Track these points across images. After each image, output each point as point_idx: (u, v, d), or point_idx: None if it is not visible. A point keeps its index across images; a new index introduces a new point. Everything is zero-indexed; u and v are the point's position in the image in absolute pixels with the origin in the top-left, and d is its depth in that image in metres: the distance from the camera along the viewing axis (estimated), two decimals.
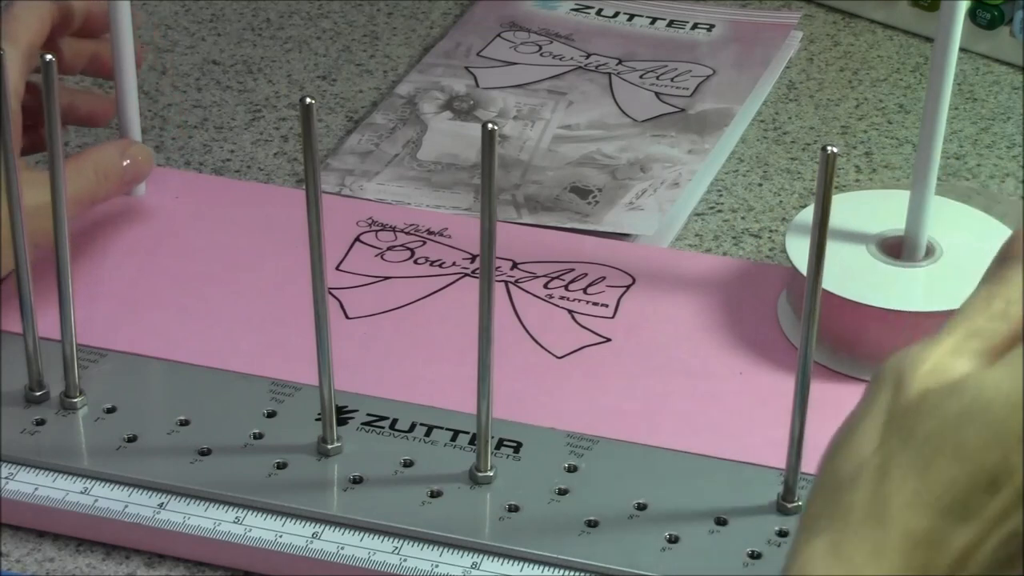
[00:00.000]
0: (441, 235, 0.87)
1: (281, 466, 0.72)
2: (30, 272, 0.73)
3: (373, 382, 0.77)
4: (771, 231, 0.91)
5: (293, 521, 0.70)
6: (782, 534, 0.69)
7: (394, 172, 0.94)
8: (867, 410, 0.53)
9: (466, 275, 0.84)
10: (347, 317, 0.81)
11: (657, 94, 1.02)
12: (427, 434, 0.74)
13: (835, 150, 0.64)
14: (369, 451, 0.73)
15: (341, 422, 0.74)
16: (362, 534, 0.69)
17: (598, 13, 1.11)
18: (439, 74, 1.04)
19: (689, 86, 1.03)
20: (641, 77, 1.04)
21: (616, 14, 1.11)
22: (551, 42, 1.08)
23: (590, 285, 0.84)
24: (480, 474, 0.72)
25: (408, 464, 0.73)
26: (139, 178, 0.84)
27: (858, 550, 0.49)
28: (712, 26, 1.09)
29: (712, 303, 0.83)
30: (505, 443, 0.74)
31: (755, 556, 0.68)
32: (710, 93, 1.02)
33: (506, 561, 0.68)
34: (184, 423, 0.74)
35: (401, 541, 0.69)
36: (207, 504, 0.71)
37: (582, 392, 0.77)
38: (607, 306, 0.82)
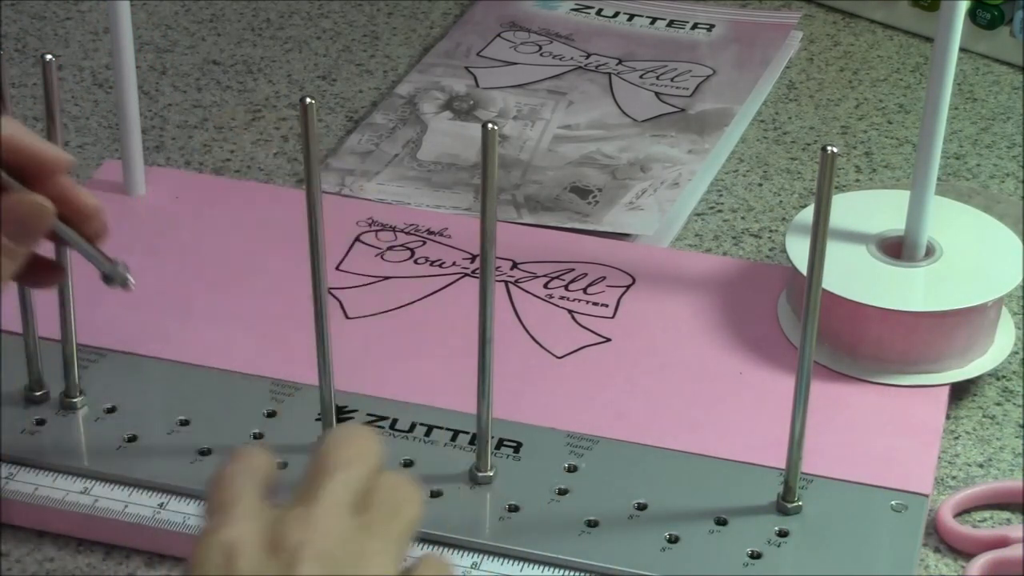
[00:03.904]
0: (441, 235, 0.87)
1: (282, 466, 0.72)
2: None
3: (373, 382, 0.77)
4: (771, 231, 0.91)
5: None
6: (782, 534, 0.69)
7: (394, 172, 0.94)
8: None
9: (466, 275, 0.84)
10: (347, 317, 0.81)
11: (657, 94, 1.02)
12: (427, 434, 0.74)
13: (835, 150, 0.64)
14: None
15: (341, 422, 0.74)
16: None
17: (598, 13, 1.11)
18: (439, 74, 1.04)
19: (689, 86, 1.03)
20: (641, 77, 1.04)
21: (616, 14, 1.11)
22: (551, 42, 1.08)
23: (590, 285, 0.84)
24: (480, 474, 0.72)
25: (408, 464, 0.73)
26: (19, 236, 0.65)
27: None
28: (712, 26, 1.09)
29: (712, 303, 0.83)
30: (505, 443, 0.74)
31: (755, 556, 0.68)
32: (710, 93, 1.02)
33: (506, 561, 0.68)
34: (184, 423, 0.74)
35: None
36: None
37: (582, 392, 0.77)
38: (607, 306, 0.82)
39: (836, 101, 1.03)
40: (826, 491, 0.71)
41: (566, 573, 0.68)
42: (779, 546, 0.69)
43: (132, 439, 0.74)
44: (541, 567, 0.68)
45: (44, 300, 0.75)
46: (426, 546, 0.69)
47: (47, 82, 0.70)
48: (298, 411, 0.75)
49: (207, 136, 0.98)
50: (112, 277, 0.67)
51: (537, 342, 0.80)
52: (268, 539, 0.54)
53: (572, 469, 0.73)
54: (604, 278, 0.84)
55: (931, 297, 0.78)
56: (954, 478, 0.75)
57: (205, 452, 0.73)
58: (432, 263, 0.85)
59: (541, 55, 1.06)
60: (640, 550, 0.68)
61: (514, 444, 0.74)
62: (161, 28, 1.09)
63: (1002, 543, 0.71)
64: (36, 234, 0.65)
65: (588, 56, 1.06)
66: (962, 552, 0.71)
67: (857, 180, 0.95)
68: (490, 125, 0.64)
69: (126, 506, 0.71)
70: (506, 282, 0.84)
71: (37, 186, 0.65)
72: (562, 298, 0.83)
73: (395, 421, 0.75)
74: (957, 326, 0.77)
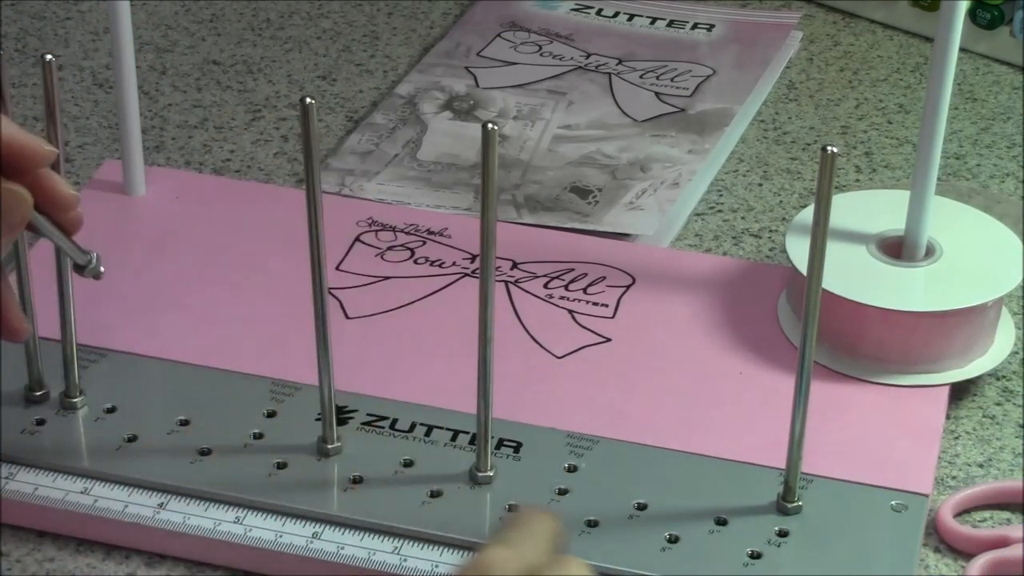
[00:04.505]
0: (441, 235, 0.87)
1: (281, 466, 0.72)
2: (30, 272, 0.73)
3: (373, 382, 0.77)
4: (771, 231, 0.91)
5: (293, 521, 0.70)
6: (782, 534, 0.69)
7: (394, 172, 0.94)
8: None
9: (466, 275, 0.84)
10: (347, 317, 0.81)
11: (657, 94, 1.02)
12: (427, 434, 0.74)
13: (835, 150, 0.64)
14: (369, 451, 0.73)
15: (341, 422, 0.74)
16: (362, 534, 0.69)
17: (598, 13, 1.11)
18: (439, 74, 1.04)
19: (689, 86, 1.03)
20: (641, 77, 1.04)
21: (616, 14, 1.11)
22: (551, 42, 1.08)
23: (590, 285, 0.84)
24: (480, 474, 0.72)
25: (408, 464, 0.73)
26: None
27: None
28: (712, 26, 1.09)
29: (712, 303, 0.83)
30: (505, 443, 0.74)
31: (755, 556, 0.68)
32: (710, 93, 1.02)
33: None
34: (184, 423, 0.74)
35: (401, 541, 0.69)
36: (207, 504, 0.71)
37: (582, 392, 0.77)
38: (607, 306, 0.82)
39: (836, 101, 1.03)
40: (826, 491, 0.71)
41: None
42: (779, 546, 0.69)
43: (132, 439, 0.74)
44: None
45: (44, 300, 0.75)
46: (427, 546, 0.69)
47: (47, 82, 0.70)
48: (298, 411, 0.75)
49: (207, 136, 0.98)
50: (85, 267, 0.69)
51: (537, 342, 0.80)
52: (526, 566, 0.58)
53: (572, 469, 0.73)
54: (604, 278, 0.84)
55: (931, 297, 0.78)
56: (954, 478, 0.75)
57: (205, 452, 0.73)
58: (432, 263, 0.85)
59: (541, 55, 1.06)
60: (640, 550, 0.69)
61: (514, 444, 0.74)
62: (161, 28, 1.09)
63: (1002, 543, 0.71)
64: (14, 224, 0.65)
65: (588, 56, 1.06)
66: (962, 552, 0.71)
67: (857, 180, 0.95)
68: (490, 125, 0.64)
69: (126, 506, 0.71)
70: (506, 282, 0.84)
71: (17, 177, 0.65)
72: (562, 298, 0.83)
73: (395, 421, 0.75)
74: (957, 326, 0.77)
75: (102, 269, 0.69)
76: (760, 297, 0.83)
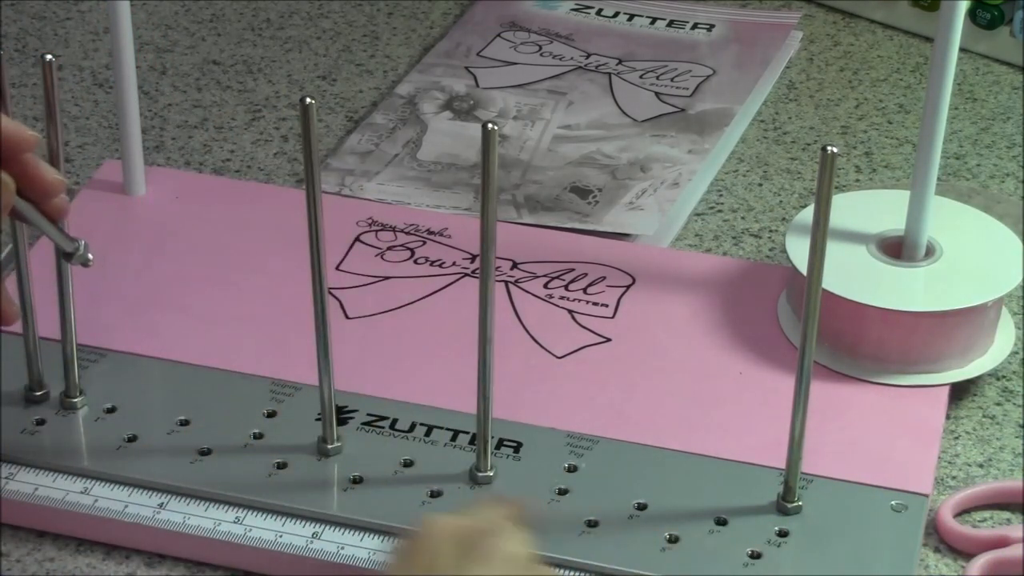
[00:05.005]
0: (441, 235, 0.87)
1: (281, 466, 0.72)
2: (30, 272, 0.73)
3: (373, 382, 0.77)
4: (771, 231, 0.91)
5: (293, 521, 0.70)
6: (782, 534, 0.69)
7: (394, 172, 0.94)
8: None
9: (466, 275, 0.84)
10: (347, 317, 0.81)
11: (657, 94, 1.02)
12: (427, 434, 0.74)
13: (835, 150, 0.64)
14: (369, 451, 0.73)
15: (341, 422, 0.74)
16: (362, 534, 0.69)
17: (598, 13, 1.11)
18: (439, 74, 1.04)
19: (689, 86, 1.03)
20: (641, 77, 1.04)
21: (616, 14, 1.11)
22: (551, 42, 1.08)
23: (590, 285, 0.84)
24: (480, 474, 0.72)
25: (408, 464, 0.73)
26: None
27: None
28: (712, 26, 1.09)
29: (712, 303, 0.83)
30: (505, 443, 0.74)
31: (755, 556, 0.68)
32: (710, 93, 1.02)
33: None
34: (184, 423, 0.74)
35: None
36: (207, 504, 0.71)
37: (582, 392, 0.77)
38: (607, 306, 0.82)
39: (836, 101, 1.03)
40: (826, 491, 0.71)
41: (566, 573, 0.68)
42: (779, 546, 0.69)
43: (132, 439, 0.74)
44: None
45: (44, 300, 0.75)
46: None
47: (47, 82, 0.70)
48: (298, 411, 0.75)
49: (207, 136, 0.98)
50: (73, 255, 0.69)
51: (537, 342, 0.80)
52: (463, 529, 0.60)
53: (572, 469, 0.73)
54: (604, 278, 0.84)
55: (931, 297, 0.78)
56: (954, 478, 0.75)
57: (205, 452, 0.73)
58: (432, 263, 0.85)
59: (541, 55, 1.06)
60: (640, 550, 0.69)
61: (514, 444, 0.74)
62: (161, 28, 1.09)
63: (1002, 543, 0.71)
64: None
65: (588, 56, 1.06)
66: (962, 552, 0.71)
67: (857, 180, 0.95)
68: (490, 125, 0.64)
69: (126, 506, 0.71)
70: (506, 282, 0.84)
71: (1, 164, 0.65)
72: (562, 298, 0.83)
73: (395, 421, 0.75)
74: (957, 326, 0.77)
75: (90, 256, 0.69)
76: (760, 297, 0.83)
